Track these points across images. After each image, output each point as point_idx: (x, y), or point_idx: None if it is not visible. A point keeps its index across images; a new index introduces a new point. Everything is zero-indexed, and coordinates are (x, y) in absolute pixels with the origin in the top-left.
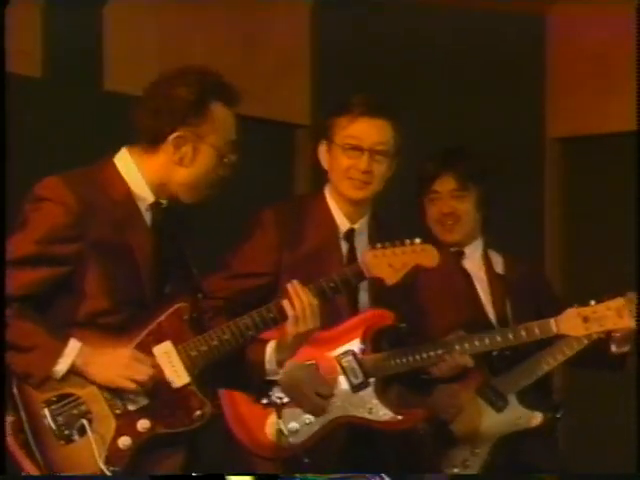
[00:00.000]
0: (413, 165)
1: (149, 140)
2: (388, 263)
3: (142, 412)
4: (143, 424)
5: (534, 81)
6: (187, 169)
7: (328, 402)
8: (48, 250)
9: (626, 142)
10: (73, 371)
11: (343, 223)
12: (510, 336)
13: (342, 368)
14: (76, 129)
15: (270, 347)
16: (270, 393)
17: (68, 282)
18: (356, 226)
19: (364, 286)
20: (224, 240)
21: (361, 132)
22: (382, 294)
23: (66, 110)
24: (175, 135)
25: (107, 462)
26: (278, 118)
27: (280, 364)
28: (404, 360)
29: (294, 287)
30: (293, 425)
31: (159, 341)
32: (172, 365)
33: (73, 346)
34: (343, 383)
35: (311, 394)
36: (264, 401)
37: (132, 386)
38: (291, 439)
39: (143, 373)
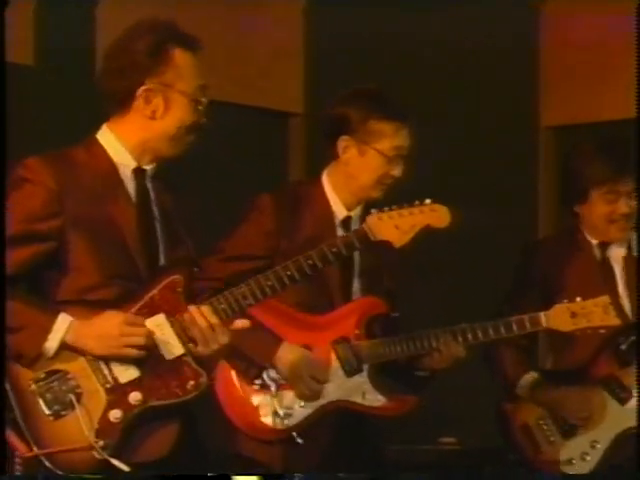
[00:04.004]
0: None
1: (119, 102)
2: (394, 225)
3: (133, 385)
4: (135, 396)
5: (528, 70)
6: (162, 121)
7: (323, 387)
8: (30, 228)
9: (620, 130)
10: (66, 347)
11: (340, 210)
12: (502, 329)
13: (336, 354)
14: (69, 118)
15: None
16: (264, 375)
17: (57, 260)
18: (353, 213)
19: (357, 273)
20: (218, 227)
21: (404, 141)
22: (375, 282)
23: (59, 99)
24: (143, 88)
25: (98, 435)
26: (272, 106)
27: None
28: (398, 348)
29: (194, 309)
30: (287, 407)
31: (152, 314)
32: (165, 337)
33: (62, 321)
34: (337, 368)
35: (307, 378)
36: (257, 382)
37: (133, 352)
38: (285, 421)
39: (140, 335)
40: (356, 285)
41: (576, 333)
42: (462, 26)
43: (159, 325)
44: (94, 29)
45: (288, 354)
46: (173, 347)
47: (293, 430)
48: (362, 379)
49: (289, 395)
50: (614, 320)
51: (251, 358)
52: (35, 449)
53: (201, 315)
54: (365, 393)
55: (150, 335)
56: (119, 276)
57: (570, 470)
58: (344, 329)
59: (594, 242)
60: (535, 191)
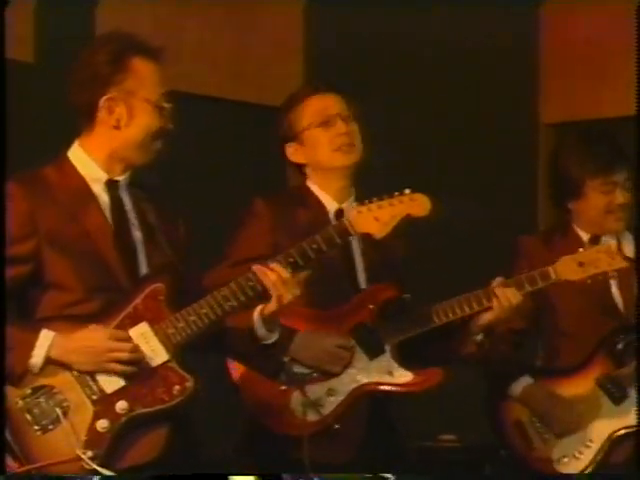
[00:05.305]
0: (406, 155)
1: (85, 116)
2: (374, 217)
3: (120, 394)
4: (121, 405)
5: (528, 67)
6: (127, 129)
7: (351, 355)
8: (8, 253)
9: (618, 128)
10: (51, 362)
11: (331, 204)
12: (512, 288)
13: (356, 339)
14: (69, 115)
15: (256, 314)
16: (287, 370)
17: (37, 279)
18: (344, 205)
19: (361, 266)
20: (221, 226)
21: (323, 104)
22: (380, 270)
23: (59, 96)
24: (105, 98)
25: (86, 446)
26: (271, 103)
27: (270, 330)
28: (417, 321)
29: (259, 268)
30: (317, 399)
31: (135, 324)
32: (149, 345)
33: (45, 337)
34: (360, 353)
35: (333, 349)
36: (282, 379)
37: (117, 367)
38: (317, 413)
39: (126, 350)
40: (362, 276)
41: (587, 281)
42: (462, 26)
43: (143, 333)
44: (94, 28)
45: (305, 340)
46: (158, 354)
47: (329, 417)
48: (386, 359)
49: (317, 386)
50: (621, 263)
51: (269, 354)
52: (25, 464)
53: (271, 270)
54: (392, 371)
55: (135, 350)
56: (100, 289)
57: (563, 468)
58: (359, 316)
59: (585, 238)
60: (535, 188)
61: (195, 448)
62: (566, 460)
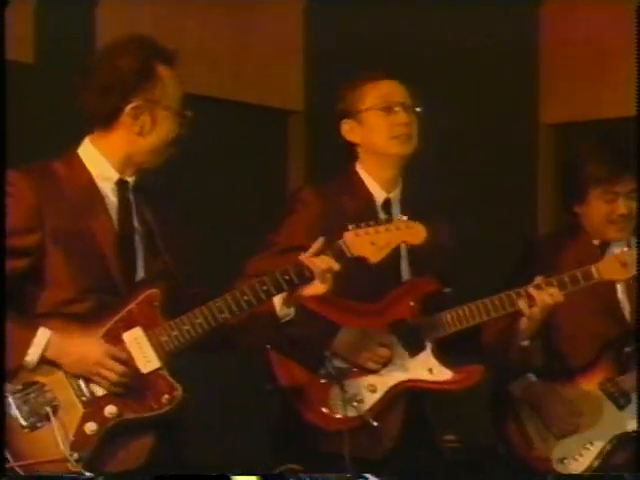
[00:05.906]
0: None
1: (104, 119)
2: (370, 241)
3: (109, 398)
4: (110, 410)
5: (528, 67)
6: (149, 136)
7: (391, 353)
8: (9, 243)
9: (619, 128)
10: (45, 361)
11: (379, 193)
12: (556, 288)
13: (396, 334)
14: (69, 116)
15: (276, 298)
16: (328, 365)
17: (36, 274)
18: (392, 195)
19: (405, 258)
20: (223, 226)
21: (388, 89)
22: (423, 262)
23: (59, 97)
24: (131, 106)
25: (73, 448)
26: (272, 104)
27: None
28: (460, 314)
29: (308, 258)
30: (356, 394)
31: (129, 328)
32: (142, 351)
33: (42, 335)
34: (400, 349)
35: (374, 346)
36: (322, 373)
37: (104, 383)
38: (356, 408)
39: (116, 372)
40: (405, 269)
41: (630, 281)
42: (462, 26)
43: (137, 338)
44: (94, 28)
45: (348, 335)
46: (150, 361)
47: (368, 414)
48: (426, 356)
49: (357, 383)
50: None
51: (310, 347)
52: (11, 461)
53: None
54: (432, 368)
55: (124, 374)
56: (96, 290)
57: (562, 469)
58: (400, 311)
59: (595, 242)
60: (535, 188)
61: (181, 455)
62: (566, 461)
